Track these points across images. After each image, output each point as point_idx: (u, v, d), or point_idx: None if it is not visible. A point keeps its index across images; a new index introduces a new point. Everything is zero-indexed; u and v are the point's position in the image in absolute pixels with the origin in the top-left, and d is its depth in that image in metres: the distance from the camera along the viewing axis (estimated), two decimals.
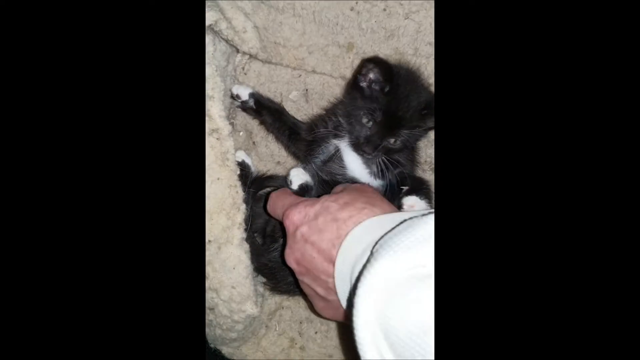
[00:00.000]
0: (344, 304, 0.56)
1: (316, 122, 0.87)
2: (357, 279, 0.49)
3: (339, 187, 0.70)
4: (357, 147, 0.77)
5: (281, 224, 0.67)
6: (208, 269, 0.70)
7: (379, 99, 0.75)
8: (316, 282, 0.60)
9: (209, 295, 0.71)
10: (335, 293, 0.57)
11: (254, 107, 0.88)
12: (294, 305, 0.87)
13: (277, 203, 0.70)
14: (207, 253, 0.69)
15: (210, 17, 0.71)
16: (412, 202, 0.70)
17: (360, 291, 0.47)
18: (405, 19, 0.82)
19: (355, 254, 0.53)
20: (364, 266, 0.49)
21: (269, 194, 0.77)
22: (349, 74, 0.88)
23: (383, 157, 0.77)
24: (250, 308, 0.72)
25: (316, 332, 0.86)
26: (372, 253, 0.50)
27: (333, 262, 0.56)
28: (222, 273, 0.70)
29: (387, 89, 0.75)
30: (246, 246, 0.72)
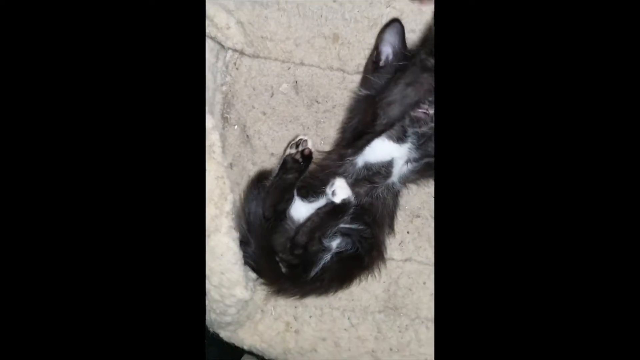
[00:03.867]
0: None
1: None
2: None
3: None
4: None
5: None
6: None
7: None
8: None
9: None
10: None
11: None
12: None
13: None
14: None
15: None
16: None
17: None
18: (387, 7, 0.83)
19: None
20: None
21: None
22: (335, 64, 0.90)
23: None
24: (240, 292, 0.76)
25: (310, 316, 0.89)
26: None
27: None
28: (211, 260, 0.73)
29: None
30: (234, 234, 0.75)
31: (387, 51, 0.81)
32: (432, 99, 0.75)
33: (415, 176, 0.85)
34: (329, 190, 0.78)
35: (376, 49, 0.82)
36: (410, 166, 0.84)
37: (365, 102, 0.83)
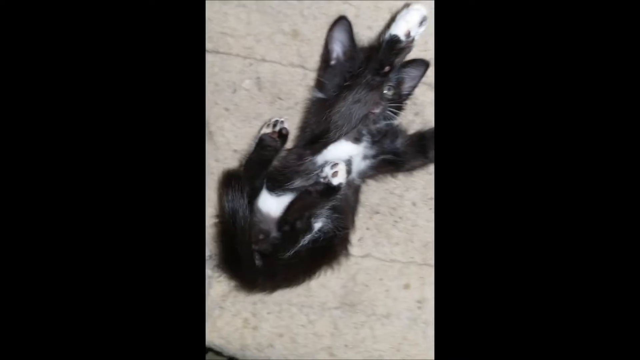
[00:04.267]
0: None
1: None
2: None
3: None
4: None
5: None
6: None
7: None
8: None
9: None
10: None
11: None
12: None
13: None
14: None
15: None
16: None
17: None
18: (344, 3, 0.83)
19: None
20: None
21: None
22: (296, 60, 0.90)
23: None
24: None
25: (269, 313, 0.89)
26: None
27: None
28: None
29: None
30: None
31: (337, 49, 0.81)
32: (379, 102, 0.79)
33: (372, 172, 0.86)
34: (328, 171, 0.79)
35: (326, 47, 0.83)
36: (367, 162, 0.86)
37: (318, 107, 0.83)
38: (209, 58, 0.94)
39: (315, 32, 0.86)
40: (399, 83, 0.82)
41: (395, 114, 0.82)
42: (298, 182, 0.84)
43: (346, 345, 0.86)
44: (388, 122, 0.83)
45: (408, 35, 0.72)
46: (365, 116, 0.79)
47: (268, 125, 0.85)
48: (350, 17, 0.83)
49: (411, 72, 0.82)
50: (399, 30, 0.72)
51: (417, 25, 0.72)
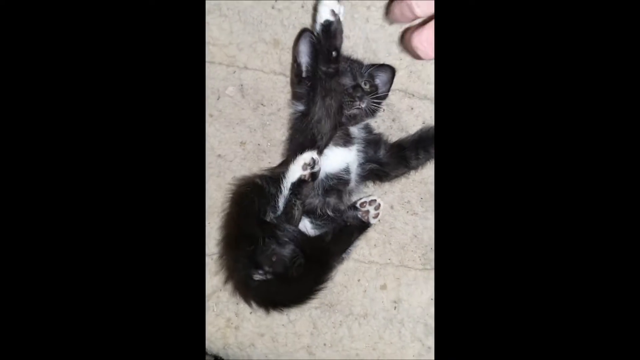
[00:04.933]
0: None
1: None
2: None
3: None
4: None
5: None
6: None
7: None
8: None
9: None
10: None
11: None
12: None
13: None
14: None
15: None
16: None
17: None
18: None
19: None
20: None
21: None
22: (278, 68, 0.93)
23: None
24: None
25: (251, 313, 0.92)
26: None
27: None
28: None
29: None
30: None
31: (306, 61, 0.84)
32: (359, 94, 0.81)
33: (362, 180, 0.89)
34: (371, 210, 0.83)
35: (295, 61, 0.85)
36: (360, 169, 0.88)
37: (302, 121, 0.84)
38: None
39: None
40: (371, 76, 0.86)
41: (378, 105, 0.85)
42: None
43: (325, 344, 0.88)
44: (374, 131, 0.88)
45: (334, 14, 0.76)
46: (341, 106, 0.81)
47: (306, 166, 0.79)
48: None
49: (380, 77, 0.86)
50: (325, 14, 0.76)
51: (337, 4, 0.76)
